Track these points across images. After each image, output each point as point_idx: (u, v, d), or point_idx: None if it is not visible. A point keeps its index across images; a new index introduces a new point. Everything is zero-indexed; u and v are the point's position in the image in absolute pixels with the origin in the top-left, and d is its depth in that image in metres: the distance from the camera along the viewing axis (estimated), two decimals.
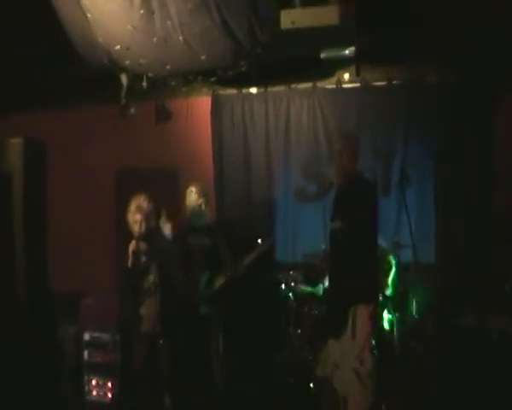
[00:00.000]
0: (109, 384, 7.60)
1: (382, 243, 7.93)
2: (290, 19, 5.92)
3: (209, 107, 9.23)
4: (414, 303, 7.65)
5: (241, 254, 7.56)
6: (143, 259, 7.06)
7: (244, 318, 8.05)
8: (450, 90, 8.34)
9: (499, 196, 8.14)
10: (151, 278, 7.04)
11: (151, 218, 7.09)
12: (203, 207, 7.62)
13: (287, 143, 8.90)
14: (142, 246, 7.05)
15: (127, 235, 7.14)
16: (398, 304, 7.57)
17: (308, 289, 8.02)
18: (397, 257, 7.65)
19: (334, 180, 6.35)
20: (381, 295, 7.48)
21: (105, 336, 7.67)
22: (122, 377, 7.55)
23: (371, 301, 6.10)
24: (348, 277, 6.01)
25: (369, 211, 6.09)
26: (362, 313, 5.94)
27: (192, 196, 7.63)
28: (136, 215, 7.04)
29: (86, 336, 7.76)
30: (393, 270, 7.66)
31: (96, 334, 7.72)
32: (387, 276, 7.64)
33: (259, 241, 7.57)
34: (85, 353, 7.74)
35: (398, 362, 7.27)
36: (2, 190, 6.53)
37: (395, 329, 7.34)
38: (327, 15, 5.82)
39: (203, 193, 7.68)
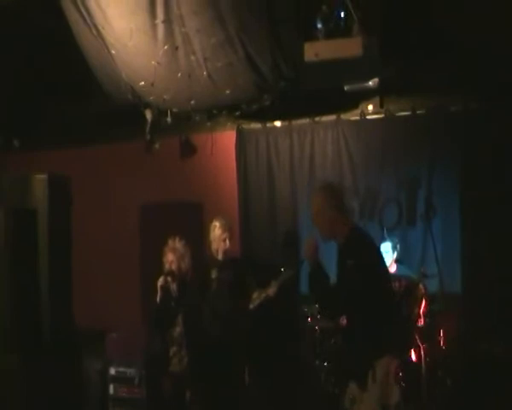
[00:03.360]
0: None
1: (411, 273, 7.89)
2: (314, 51, 5.92)
3: (233, 141, 9.25)
4: (441, 334, 7.57)
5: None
6: (172, 304, 7.08)
7: (270, 351, 7.99)
8: (474, 119, 8.30)
9: None
10: (177, 328, 7.07)
11: (184, 259, 7.13)
12: (227, 241, 7.56)
13: (311, 176, 8.86)
14: (173, 290, 7.09)
15: (152, 270, 7.15)
16: (425, 335, 7.49)
17: None
18: (425, 287, 7.57)
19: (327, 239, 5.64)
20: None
21: (131, 371, 7.67)
22: None
23: (396, 353, 5.34)
24: (365, 333, 5.19)
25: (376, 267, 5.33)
26: (383, 365, 5.12)
27: (216, 231, 7.53)
28: (169, 255, 7.11)
29: (112, 371, 7.76)
30: (423, 301, 7.57)
31: (122, 369, 7.71)
32: (419, 307, 7.55)
33: (282, 270, 7.47)
34: (111, 387, 7.73)
35: (426, 393, 7.19)
36: (27, 226, 6.55)
37: (422, 359, 7.26)
38: (350, 47, 5.82)
39: (227, 227, 7.62)
